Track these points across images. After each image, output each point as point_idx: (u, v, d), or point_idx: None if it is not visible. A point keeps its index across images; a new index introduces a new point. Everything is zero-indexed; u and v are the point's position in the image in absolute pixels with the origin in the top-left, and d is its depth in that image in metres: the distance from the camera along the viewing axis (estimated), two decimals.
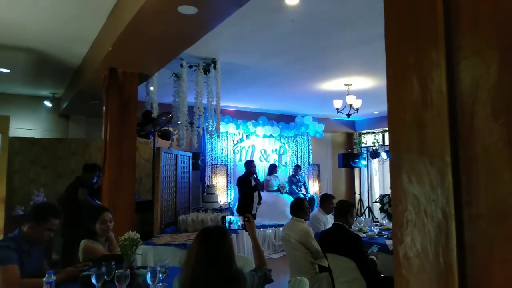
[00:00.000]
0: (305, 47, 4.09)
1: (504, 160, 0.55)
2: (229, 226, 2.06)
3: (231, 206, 6.68)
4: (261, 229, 6.09)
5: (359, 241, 2.75)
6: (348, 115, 6.04)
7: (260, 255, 1.90)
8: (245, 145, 7.92)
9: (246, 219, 2.03)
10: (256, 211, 6.05)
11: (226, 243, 1.58)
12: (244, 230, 2.13)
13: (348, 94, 5.88)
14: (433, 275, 0.66)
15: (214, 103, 4.32)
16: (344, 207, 3.01)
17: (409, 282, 0.69)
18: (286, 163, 8.39)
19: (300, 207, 3.45)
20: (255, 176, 6.18)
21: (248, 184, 5.98)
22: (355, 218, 3.32)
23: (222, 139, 7.46)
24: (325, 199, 4.31)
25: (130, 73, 3.78)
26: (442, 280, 0.64)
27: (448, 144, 0.64)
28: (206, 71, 4.35)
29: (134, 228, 2.85)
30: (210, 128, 4.52)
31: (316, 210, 4.54)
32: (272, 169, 7.41)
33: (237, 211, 5.96)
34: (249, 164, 6.18)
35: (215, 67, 4.32)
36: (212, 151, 7.37)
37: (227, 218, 2.09)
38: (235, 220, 2.08)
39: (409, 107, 0.70)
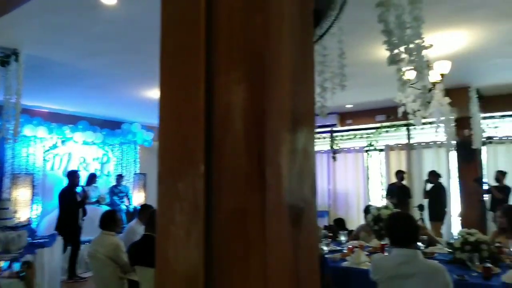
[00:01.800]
0: (128, 51, 3.92)
1: (244, 174, 0.59)
2: None
3: (31, 222, 5.73)
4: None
5: None
6: None
7: None
8: (59, 152, 6.98)
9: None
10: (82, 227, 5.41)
11: None
12: None
13: None
14: (183, 277, 0.68)
15: (14, 100, 3.67)
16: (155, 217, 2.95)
17: (165, 285, 0.70)
18: (109, 172, 7.81)
19: (111, 219, 3.23)
20: (83, 188, 5.51)
21: (73, 198, 5.28)
22: None
23: (29, 145, 6.39)
24: (143, 209, 4.17)
25: None
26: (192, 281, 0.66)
27: (203, 156, 0.66)
28: (5, 63, 3.67)
29: None
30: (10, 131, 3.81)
31: (133, 221, 4.34)
32: (91, 179, 6.75)
33: (57, 228, 5.18)
34: (73, 175, 5.46)
35: (16, 60, 3.69)
36: (13, 158, 6.20)
37: None
38: None
39: (176, 120, 0.71)
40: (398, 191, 7.33)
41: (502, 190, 6.64)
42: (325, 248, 3.56)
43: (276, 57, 0.70)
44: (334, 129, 8.98)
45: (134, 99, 6.18)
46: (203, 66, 0.68)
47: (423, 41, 1.80)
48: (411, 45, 1.76)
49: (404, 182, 7.57)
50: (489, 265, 2.70)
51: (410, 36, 1.78)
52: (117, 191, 7.17)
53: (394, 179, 7.69)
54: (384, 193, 7.99)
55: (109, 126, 7.81)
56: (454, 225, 7.47)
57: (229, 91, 0.66)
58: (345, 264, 3.05)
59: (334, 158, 9.17)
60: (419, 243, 3.45)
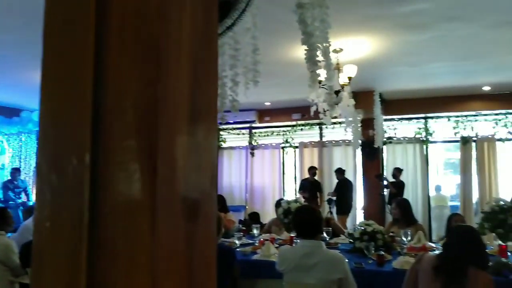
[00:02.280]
0: (24, 29, 3.49)
1: (134, 166, 0.58)
2: None
3: None
4: None
5: None
6: None
7: None
8: None
9: None
10: None
11: None
12: None
13: None
14: (62, 277, 0.61)
15: None
16: None
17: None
18: (3, 165, 6.98)
19: (1, 217, 2.88)
20: None
21: None
22: None
23: None
24: None
25: None
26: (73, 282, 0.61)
27: (89, 145, 0.61)
28: None
29: None
30: None
31: (29, 219, 3.93)
32: None
33: None
34: None
35: None
36: None
37: None
38: None
39: (60, 104, 0.65)
40: (310, 186, 7.74)
41: (397, 185, 7.41)
42: (237, 242, 3.61)
43: (174, 43, 0.67)
44: (253, 125, 9.16)
45: (35, 84, 5.59)
46: (91, 47, 0.62)
47: (330, 44, 1.90)
48: (320, 47, 1.85)
49: (316, 178, 8.02)
50: (382, 253, 2.99)
51: (319, 38, 1.86)
52: (12, 186, 6.43)
53: (307, 175, 8.10)
54: (298, 187, 8.38)
55: (5, 113, 6.96)
56: (359, 217, 8.13)
57: (121, 76, 0.62)
58: (255, 257, 3.13)
59: (252, 153, 9.36)
60: (324, 234, 3.69)
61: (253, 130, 9.43)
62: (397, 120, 8.48)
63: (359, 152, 8.28)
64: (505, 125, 7.84)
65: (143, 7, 0.64)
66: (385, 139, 8.19)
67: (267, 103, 8.18)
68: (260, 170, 9.29)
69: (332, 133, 8.72)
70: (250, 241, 3.74)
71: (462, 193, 7.99)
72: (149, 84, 0.62)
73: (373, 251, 3.11)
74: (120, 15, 0.63)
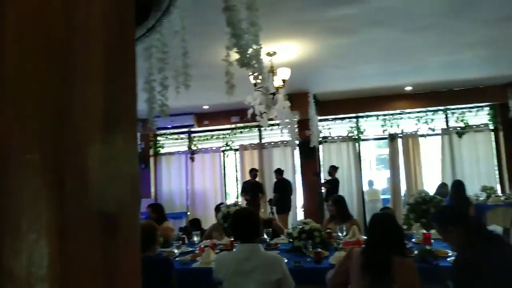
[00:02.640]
0: None
1: (38, 180, 0.50)
2: None
3: None
4: None
5: None
6: None
7: None
8: None
9: None
10: None
11: None
12: None
13: None
14: None
15: None
16: None
17: None
18: None
19: None
20: None
21: None
22: None
23: None
24: None
25: None
26: None
27: None
28: None
29: None
30: None
31: None
32: None
33: None
34: None
35: None
36: None
37: None
38: None
39: None
40: (252, 188, 7.80)
41: (333, 182, 7.73)
42: (176, 251, 3.51)
43: (82, 44, 0.61)
44: (192, 129, 9.01)
45: None
46: None
47: (261, 46, 1.91)
48: (250, 50, 1.85)
49: (257, 179, 8.10)
50: (319, 250, 3.08)
51: (249, 41, 1.86)
52: None
53: (248, 177, 8.15)
54: (240, 190, 8.41)
55: None
56: (299, 216, 8.34)
57: (21, 82, 0.56)
58: (195, 265, 3.06)
59: (192, 158, 9.20)
60: (265, 236, 3.72)
61: (192, 135, 9.28)
62: (331, 120, 8.86)
63: (297, 152, 8.52)
64: (426, 122, 8.56)
65: (46, 6, 0.58)
66: (320, 139, 8.51)
67: (206, 107, 8.10)
68: (201, 175, 9.17)
69: (271, 135, 8.88)
70: (190, 249, 3.65)
71: (391, 186, 8.57)
72: (54, 89, 0.56)
73: (311, 249, 3.20)
74: (17, 15, 0.57)
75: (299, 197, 8.33)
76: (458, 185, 6.16)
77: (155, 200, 8.68)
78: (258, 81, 2.77)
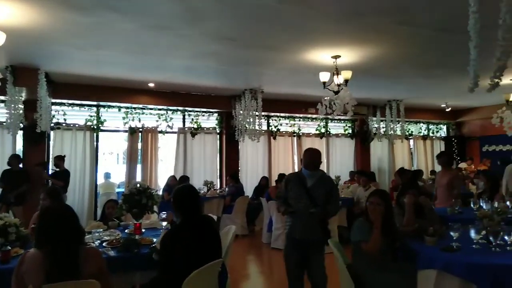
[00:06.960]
0: None
1: None
2: None
3: None
4: None
5: None
6: None
7: None
8: None
9: None
10: None
11: None
12: None
13: None
14: None
15: None
16: None
17: None
18: None
19: None
20: None
21: None
22: None
23: None
24: None
25: None
26: None
27: None
28: None
29: None
30: None
31: None
32: None
33: None
34: None
35: None
36: None
37: None
38: None
39: None
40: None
41: (60, 175, 7.00)
42: None
43: None
44: None
45: None
46: None
47: None
48: None
49: None
50: (9, 248, 2.64)
51: None
52: None
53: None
54: None
55: None
56: None
57: None
58: None
59: None
60: None
61: None
62: (68, 106, 8.05)
63: (20, 137, 7.29)
64: (166, 119, 9.07)
65: None
66: (52, 124, 7.57)
67: None
68: None
69: None
70: None
71: (127, 179, 8.57)
72: None
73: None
74: None
75: None
76: (185, 180, 6.86)
77: None
78: None
